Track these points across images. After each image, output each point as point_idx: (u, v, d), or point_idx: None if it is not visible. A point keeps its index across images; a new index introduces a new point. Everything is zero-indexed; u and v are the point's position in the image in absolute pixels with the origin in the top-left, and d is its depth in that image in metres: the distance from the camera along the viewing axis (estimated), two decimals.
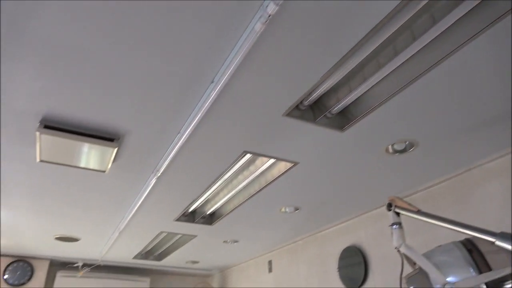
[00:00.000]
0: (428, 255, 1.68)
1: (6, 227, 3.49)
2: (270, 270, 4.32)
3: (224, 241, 3.93)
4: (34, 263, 4.75)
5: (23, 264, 4.69)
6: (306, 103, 1.69)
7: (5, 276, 4.57)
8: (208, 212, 3.17)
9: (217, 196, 2.93)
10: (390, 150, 2.03)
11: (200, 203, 3.04)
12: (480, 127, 1.84)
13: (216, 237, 3.76)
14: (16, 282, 4.60)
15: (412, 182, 2.45)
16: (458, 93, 1.60)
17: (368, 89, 1.67)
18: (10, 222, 3.33)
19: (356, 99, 1.74)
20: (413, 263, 1.75)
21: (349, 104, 1.77)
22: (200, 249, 4.29)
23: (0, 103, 1.67)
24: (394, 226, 1.75)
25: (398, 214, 1.78)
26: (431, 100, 1.65)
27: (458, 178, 2.34)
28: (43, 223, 3.36)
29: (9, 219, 3.25)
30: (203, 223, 3.32)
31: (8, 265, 4.62)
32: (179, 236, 3.90)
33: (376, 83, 1.61)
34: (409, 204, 1.74)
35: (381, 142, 1.97)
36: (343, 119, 1.83)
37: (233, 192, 2.72)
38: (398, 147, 2.01)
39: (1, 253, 4.55)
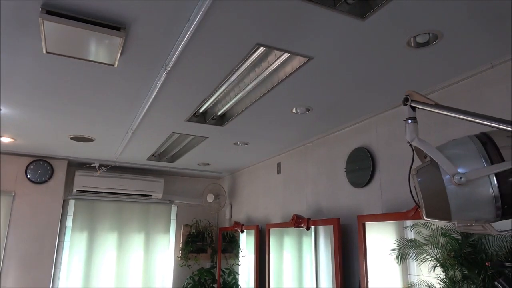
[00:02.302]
0: (441, 148, 1.68)
1: (21, 126, 3.57)
2: (278, 171, 4.49)
3: (234, 143, 4.02)
4: (54, 162, 4.98)
5: (43, 164, 4.92)
6: None
7: (28, 175, 4.84)
8: (218, 113, 3.18)
9: (227, 95, 2.91)
10: (412, 43, 1.92)
11: (211, 103, 3.02)
12: (506, 20, 1.70)
13: (227, 138, 3.83)
14: (38, 180, 4.89)
15: (431, 79, 2.36)
16: None
17: None
18: (25, 120, 3.39)
19: None
20: (424, 157, 1.76)
21: None
22: (211, 151, 4.41)
23: None
24: (409, 121, 1.73)
25: (413, 109, 1.74)
26: None
27: (479, 76, 2.25)
28: (56, 121, 3.42)
29: (23, 117, 3.30)
30: (214, 124, 3.35)
31: (29, 164, 4.86)
32: (191, 138, 3.98)
33: None
34: (427, 98, 1.69)
35: (404, 33, 1.84)
36: (365, 6, 1.69)
37: (243, 91, 2.68)
38: (420, 39, 1.89)
39: (21, 153, 4.75)
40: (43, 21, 1.75)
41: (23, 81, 2.53)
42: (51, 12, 1.73)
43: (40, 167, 4.92)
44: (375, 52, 2.04)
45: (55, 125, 3.53)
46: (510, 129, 1.35)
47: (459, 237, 2.21)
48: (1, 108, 3.06)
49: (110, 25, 1.83)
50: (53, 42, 1.96)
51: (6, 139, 4.06)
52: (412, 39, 1.90)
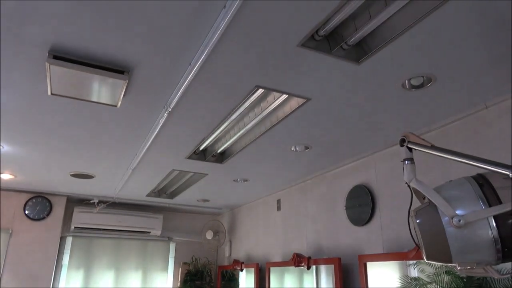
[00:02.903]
0: (438, 189, 1.69)
1: (22, 163, 3.59)
2: (278, 208, 4.46)
3: (234, 180, 4.02)
4: (52, 199, 4.96)
5: (42, 200, 4.90)
6: (322, 33, 1.62)
7: (26, 211, 4.80)
8: (218, 151, 3.21)
9: (227, 134, 2.95)
10: (407, 85, 1.98)
11: (211, 141, 3.06)
12: (498, 63, 1.76)
13: (227, 175, 3.84)
14: (36, 217, 4.85)
15: (426, 119, 2.41)
16: (478, 26, 1.51)
17: (387, 20, 1.58)
18: (26, 158, 3.42)
19: (374, 30, 1.66)
20: (422, 198, 1.77)
21: (366, 35, 1.70)
22: (210, 188, 4.41)
23: (9, 31, 1.63)
24: (406, 162, 1.75)
25: (410, 149, 1.77)
26: (451, 33, 1.56)
27: (473, 116, 2.30)
28: (58, 159, 3.44)
29: (24, 155, 3.33)
30: (214, 161, 3.37)
31: (28, 201, 4.84)
32: (191, 174, 3.99)
33: (396, 12, 1.52)
34: (423, 139, 1.72)
35: (398, 76, 1.90)
36: (360, 51, 1.76)
37: (243, 130, 2.73)
38: (415, 82, 1.95)
39: (20, 189, 4.74)
40: (49, 66, 1.82)
41: (26, 120, 2.58)
42: (58, 57, 1.80)
43: (39, 204, 4.89)
44: (371, 94, 2.10)
45: (56, 162, 3.55)
46: (505, 172, 1.36)
47: (463, 275, 2.17)
48: (3, 146, 3.09)
49: (114, 68, 1.90)
50: (58, 85, 2.02)
51: (6, 176, 4.07)
52: (406, 81, 1.96)
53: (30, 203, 4.85)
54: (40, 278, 4.69)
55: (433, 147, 1.69)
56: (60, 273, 5.02)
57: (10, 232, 4.70)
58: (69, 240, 5.17)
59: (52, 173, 3.92)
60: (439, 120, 2.42)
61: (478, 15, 1.47)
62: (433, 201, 1.62)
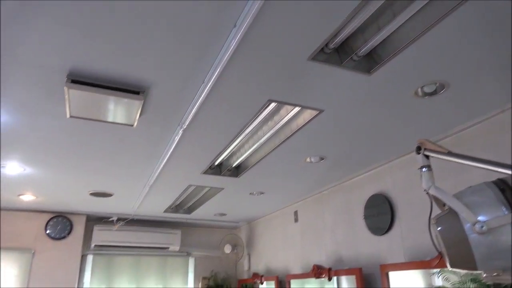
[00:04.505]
0: (458, 196, 1.66)
1: (43, 184, 3.68)
2: (296, 220, 4.43)
3: (250, 193, 4.03)
4: (73, 218, 5.04)
5: (62, 219, 4.99)
6: (331, 46, 1.64)
7: (47, 231, 4.89)
8: (234, 165, 3.23)
9: (242, 148, 2.97)
10: (420, 92, 1.97)
11: (226, 155, 3.09)
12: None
13: (243, 189, 3.85)
14: (57, 236, 4.93)
15: (441, 126, 2.39)
16: (490, 29, 1.50)
17: (396, 29, 1.59)
18: (46, 179, 3.50)
19: (384, 40, 1.67)
20: (442, 205, 1.74)
21: (376, 46, 1.70)
22: (227, 202, 4.42)
23: (27, 60, 1.70)
24: (424, 169, 1.73)
25: (427, 157, 1.76)
26: (462, 38, 1.56)
27: (489, 121, 2.26)
28: (77, 179, 3.52)
29: (45, 176, 3.41)
30: (230, 175, 3.39)
31: (49, 220, 4.93)
32: (207, 189, 4.01)
33: (405, 21, 1.53)
34: (439, 146, 1.71)
35: (410, 84, 1.90)
36: (371, 62, 1.77)
37: (257, 143, 2.75)
38: (428, 89, 1.94)
39: (42, 210, 4.84)
40: (68, 90, 1.88)
41: (46, 142, 2.66)
42: (76, 81, 1.86)
43: (60, 223, 4.98)
44: (384, 103, 2.09)
45: (75, 182, 3.63)
46: None
47: (490, 283, 2.12)
48: (25, 168, 3.18)
49: (130, 90, 1.95)
50: (76, 107, 2.08)
51: (28, 197, 4.16)
52: (419, 89, 1.95)
53: (51, 222, 4.94)
54: None
55: (450, 153, 1.66)
56: None
57: (33, 252, 4.78)
58: (90, 258, 5.23)
59: (71, 192, 4.00)
60: (454, 126, 2.39)
61: (490, 17, 1.47)
62: (453, 208, 1.59)
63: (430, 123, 2.35)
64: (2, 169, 3.19)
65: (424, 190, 1.72)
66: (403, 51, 1.64)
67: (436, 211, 1.64)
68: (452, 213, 1.60)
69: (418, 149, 1.76)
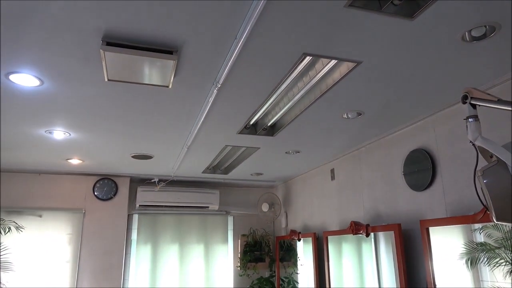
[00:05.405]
0: (507, 146, 1.58)
1: (88, 148, 3.86)
2: (332, 178, 4.42)
3: (286, 152, 4.03)
4: (117, 180, 5.31)
5: (108, 181, 5.27)
6: None
7: (95, 193, 5.20)
8: (269, 124, 3.22)
9: (277, 106, 2.94)
10: (467, 37, 1.83)
11: (261, 114, 3.07)
12: None
13: (278, 148, 3.86)
14: (104, 197, 5.23)
15: (491, 73, 2.23)
16: None
17: None
18: (90, 143, 3.67)
19: None
20: (489, 157, 1.66)
21: None
22: (263, 161, 4.46)
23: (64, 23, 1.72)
24: (470, 119, 1.64)
25: (474, 106, 1.66)
26: None
27: None
28: (119, 143, 3.65)
29: (89, 140, 3.57)
30: (265, 134, 3.39)
31: (96, 183, 5.22)
32: (243, 149, 4.06)
33: None
34: (488, 94, 1.60)
35: (456, 28, 1.76)
36: (413, 5, 1.64)
37: (292, 101, 2.70)
38: (476, 33, 1.79)
39: (88, 173, 5.12)
40: (104, 53, 1.90)
41: (88, 108, 2.75)
42: (111, 43, 1.88)
43: (106, 185, 5.26)
44: (428, 50, 1.97)
45: (117, 146, 3.77)
46: None
47: None
48: (70, 133, 3.34)
49: (164, 49, 1.95)
50: (113, 70, 2.12)
51: (75, 161, 4.40)
52: (467, 33, 1.81)
53: (98, 185, 5.23)
54: (114, 253, 5.10)
55: (500, 101, 1.56)
56: (131, 248, 5.43)
57: (84, 212, 5.13)
58: (135, 218, 5.54)
59: (114, 155, 4.18)
60: (506, 72, 2.23)
61: None
62: (502, 158, 1.52)
63: (478, 71, 2.20)
64: (49, 135, 3.37)
65: (470, 142, 1.65)
66: None
67: (482, 163, 1.57)
68: (501, 164, 1.53)
69: (465, 98, 1.67)
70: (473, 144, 1.64)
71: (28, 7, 1.59)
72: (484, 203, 1.64)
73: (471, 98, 1.63)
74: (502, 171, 1.53)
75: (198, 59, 2.06)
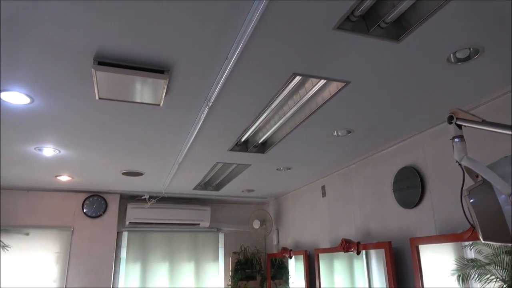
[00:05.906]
0: (492, 166, 1.61)
1: (77, 165, 3.83)
2: (323, 194, 4.43)
3: (277, 169, 4.04)
4: (107, 197, 5.25)
5: (97, 198, 5.21)
6: (357, 13, 1.58)
7: (84, 210, 5.13)
8: (260, 141, 3.23)
9: (267, 124, 2.96)
10: (452, 59, 1.88)
11: (252, 132, 3.09)
12: None
13: (269, 165, 3.87)
14: (94, 214, 5.16)
15: (475, 94, 2.29)
16: None
17: None
18: (80, 160, 3.64)
19: (413, 4, 1.59)
20: (475, 176, 1.69)
21: (405, 11, 1.63)
22: (254, 178, 4.46)
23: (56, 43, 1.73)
24: (456, 139, 1.67)
25: (460, 126, 1.69)
26: None
27: None
28: (110, 160, 3.63)
29: (79, 157, 3.54)
30: (256, 151, 3.40)
31: (85, 200, 5.16)
32: (234, 166, 4.06)
33: None
34: (473, 115, 1.64)
35: (442, 50, 1.82)
36: (399, 28, 1.69)
37: (283, 119, 2.73)
38: (460, 54, 1.85)
39: (78, 190, 5.06)
40: (95, 72, 1.91)
41: (79, 124, 2.74)
42: (102, 62, 1.89)
43: (95, 202, 5.20)
44: (414, 71, 2.02)
45: (108, 163, 3.75)
46: None
47: None
48: (60, 150, 3.31)
49: (155, 69, 1.96)
50: (104, 89, 2.13)
51: (64, 178, 4.35)
52: (451, 55, 1.86)
53: (87, 202, 5.17)
54: (102, 271, 5.01)
55: (484, 122, 1.60)
56: (120, 266, 5.33)
57: (72, 229, 5.04)
58: (125, 235, 5.46)
59: (105, 172, 4.15)
60: (490, 93, 2.28)
61: None
62: (487, 179, 1.54)
63: (463, 91, 2.26)
64: (39, 152, 3.34)
65: (456, 161, 1.67)
66: (434, 15, 1.56)
67: (469, 183, 1.60)
68: (486, 184, 1.55)
69: (450, 119, 1.70)
70: (459, 164, 1.67)
71: (20, 26, 1.61)
72: (471, 222, 1.66)
73: (457, 118, 1.66)
74: (488, 191, 1.55)
75: (189, 78, 2.08)
